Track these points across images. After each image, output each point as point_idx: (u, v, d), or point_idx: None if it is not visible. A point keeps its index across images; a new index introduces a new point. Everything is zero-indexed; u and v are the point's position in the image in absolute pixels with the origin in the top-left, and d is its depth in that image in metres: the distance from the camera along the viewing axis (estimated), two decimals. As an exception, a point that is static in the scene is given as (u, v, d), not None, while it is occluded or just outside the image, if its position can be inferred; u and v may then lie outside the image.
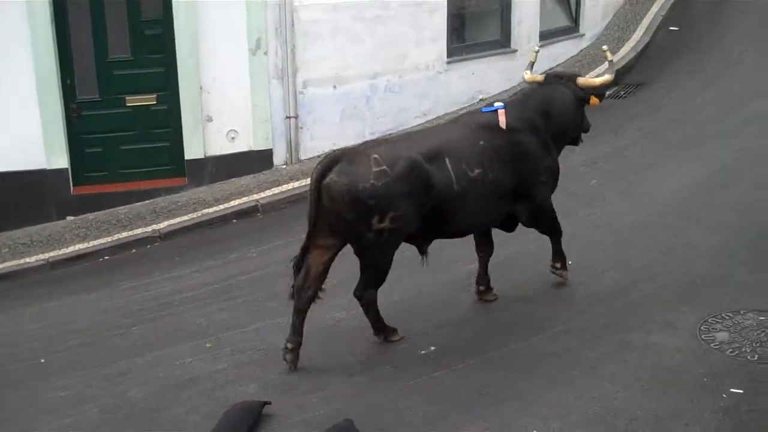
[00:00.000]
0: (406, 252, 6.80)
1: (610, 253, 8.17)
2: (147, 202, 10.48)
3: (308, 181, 10.20)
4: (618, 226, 8.76)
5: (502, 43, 13.23)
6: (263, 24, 10.79)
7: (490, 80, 12.82)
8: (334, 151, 7.08)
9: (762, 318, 6.89)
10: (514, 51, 13.18)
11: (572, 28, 14.37)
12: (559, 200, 9.13)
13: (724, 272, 7.65)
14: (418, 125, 11.99)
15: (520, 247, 8.17)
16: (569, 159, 9.87)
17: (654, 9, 16.45)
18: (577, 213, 9.07)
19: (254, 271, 8.57)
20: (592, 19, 14.80)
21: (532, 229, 7.48)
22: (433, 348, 6.77)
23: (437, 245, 6.98)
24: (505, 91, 12.53)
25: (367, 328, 6.88)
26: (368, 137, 11.59)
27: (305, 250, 6.71)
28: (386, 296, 7.03)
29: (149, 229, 9.78)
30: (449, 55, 12.41)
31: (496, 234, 7.43)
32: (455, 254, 7.97)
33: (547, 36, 13.63)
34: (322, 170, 6.40)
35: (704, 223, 8.66)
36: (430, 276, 7.56)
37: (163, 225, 9.85)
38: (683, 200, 9.23)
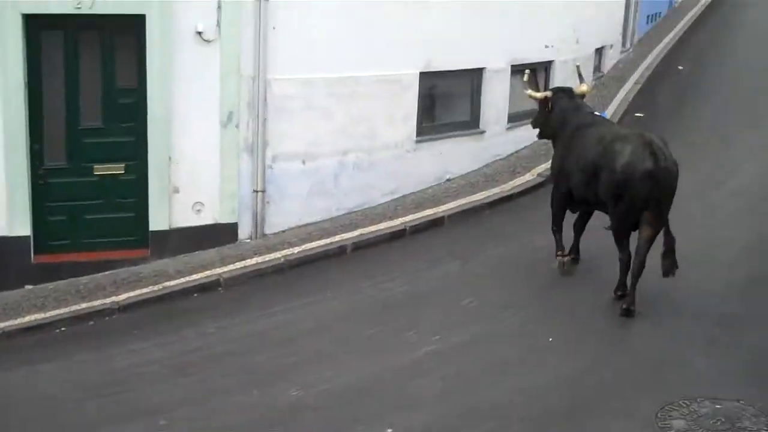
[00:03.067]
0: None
1: (570, 339, 8.21)
2: (108, 272, 10.35)
3: (272, 256, 10.42)
4: (579, 309, 8.81)
5: (471, 124, 13.40)
6: (236, 97, 10.83)
7: (458, 160, 12.95)
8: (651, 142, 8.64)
9: (718, 406, 6.95)
10: (483, 132, 13.36)
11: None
12: (517, 282, 9.29)
13: (683, 359, 7.73)
14: (385, 203, 12.11)
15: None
16: (533, 244, 10.01)
17: (620, 95, 16.88)
18: (538, 297, 9.12)
19: (213, 347, 8.48)
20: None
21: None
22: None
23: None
24: (473, 171, 12.69)
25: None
26: (334, 214, 11.72)
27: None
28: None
29: (108, 300, 9.64)
30: (419, 134, 12.51)
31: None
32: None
33: (515, 118, 13.84)
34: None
35: (664, 310, 8.75)
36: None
37: (123, 297, 9.71)
38: (644, 287, 9.29)
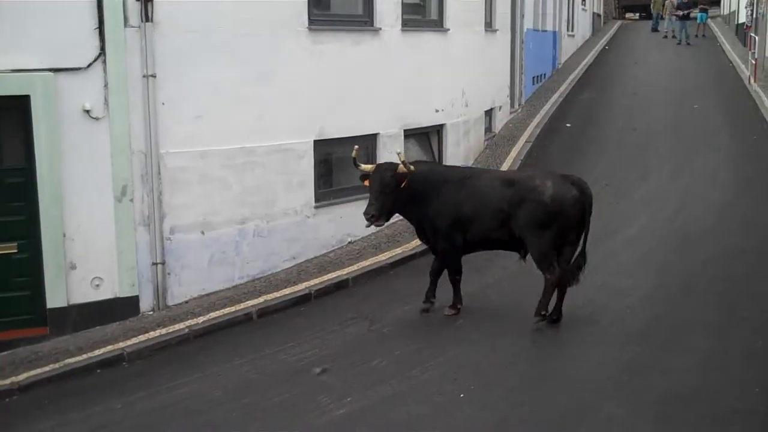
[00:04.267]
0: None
1: (480, 392, 8.24)
2: (6, 353, 10.01)
3: (176, 327, 10.26)
4: (486, 365, 8.89)
5: (369, 187, 13.50)
6: (129, 172, 10.71)
7: (358, 223, 12.91)
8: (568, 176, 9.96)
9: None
10: (381, 195, 13.47)
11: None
12: (424, 340, 9.35)
13: (592, 406, 7.85)
14: (287, 269, 12.07)
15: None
16: (437, 299, 10.12)
17: (513, 153, 17.33)
18: (445, 353, 9.17)
19: (119, 423, 8.22)
20: (455, 163, 15.30)
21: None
22: None
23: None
24: (374, 233, 12.76)
25: None
26: (237, 282, 11.63)
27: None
28: None
29: (7, 381, 9.28)
30: (317, 199, 12.57)
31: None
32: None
33: (411, 180, 14.00)
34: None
35: (570, 357, 8.93)
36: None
37: (22, 377, 9.37)
38: (549, 335, 9.48)
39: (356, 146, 10.32)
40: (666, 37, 35.49)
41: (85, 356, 9.81)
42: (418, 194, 9.85)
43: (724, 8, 44.95)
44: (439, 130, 15.24)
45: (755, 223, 13.19)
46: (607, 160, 17.35)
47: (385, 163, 10.30)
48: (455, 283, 10.18)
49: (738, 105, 21.79)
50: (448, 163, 15.07)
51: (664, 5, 39.32)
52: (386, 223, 10.48)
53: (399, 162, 9.75)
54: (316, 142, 12.45)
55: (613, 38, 38.37)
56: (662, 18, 38.69)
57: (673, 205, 14.25)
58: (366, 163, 10.78)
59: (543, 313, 9.69)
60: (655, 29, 39.45)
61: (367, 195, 9.85)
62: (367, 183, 9.86)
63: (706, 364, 8.65)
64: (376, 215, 9.66)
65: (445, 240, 9.98)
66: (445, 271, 10.23)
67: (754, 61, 24.38)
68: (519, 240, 9.74)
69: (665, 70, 27.86)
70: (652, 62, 29.45)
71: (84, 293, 10.61)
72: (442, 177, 10.05)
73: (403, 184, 9.68)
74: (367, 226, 10.14)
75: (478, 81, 16.94)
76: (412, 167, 9.74)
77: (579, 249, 9.80)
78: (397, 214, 10.32)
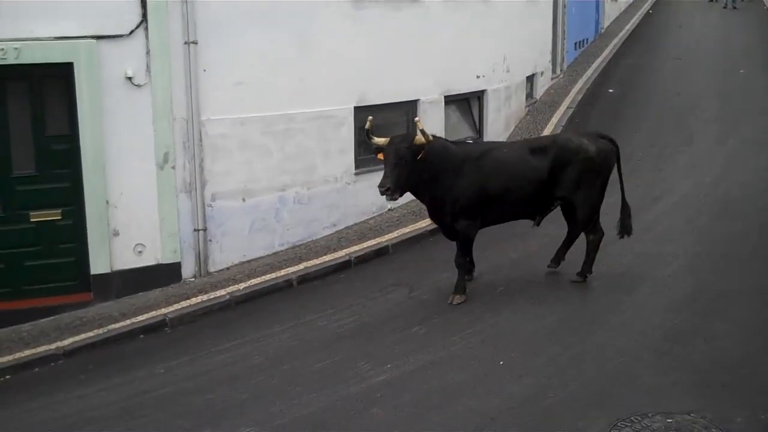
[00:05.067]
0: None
1: (520, 360, 8.23)
2: (51, 318, 10.17)
3: (217, 293, 10.34)
4: (525, 333, 8.85)
5: (409, 154, 13.45)
6: (170, 139, 10.78)
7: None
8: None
9: (669, 420, 7.02)
10: (420, 162, 13.43)
11: (476, 138, 14.76)
12: (465, 307, 9.35)
13: (632, 375, 7.81)
14: (328, 236, 12.10)
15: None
16: (477, 265, 10.10)
17: (554, 119, 17.17)
18: (485, 321, 9.16)
19: (161, 388, 8.34)
20: (495, 130, 15.28)
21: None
22: None
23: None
24: (414, 200, 12.71)
25: None
26: (278, 249, 11.68)
27: None
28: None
29: (53, 346, 9.45)
30: (357, 166, 12.56)
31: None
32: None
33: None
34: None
35: (611, 326, 8.85)
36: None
37: (67, 342, 9.52)
38: (590, 304, 9.42)
39: (370, 117, 9.88)
40: (712, 1, 34.85)
41: (128, 322, 9.93)
42: (433, 170, 9.42)
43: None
44: (479, 96, 15.12)
45: (802, 189, 12.99)
46: (649, 125, 17.14)
47: (400, 134, 9.85)
48: (462, 265, 9.84)
49: (785, 70, 21.41)
50: (488, 131, 15.01)
51: None
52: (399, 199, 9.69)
53: (418, 130, 9.26)
54: (356, 108, 12.40)
55: (657, 2, 37.73)
56: None
57: (717, 171, 14.06)
58: (406, 131, 10.69)
59: (588, 274, 9.88)
60: None
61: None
62: (380, 156, 9.43)
63: (749, 332, 8.58)
64: (391, 188, 9.12)
65: (467, 218, 9.63)
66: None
67: (802, 25, 23.88)
68: (546, 207, 9.97)
69: (710, 34, 27.38)
70: (697, 26, 28.95)
71: (127, 260, 10.73)
72: (461, 154, 9.70)
73: (419, 156, 9.21)
74: (388, 200, 9.57)
75: (520, 46, 16.76)
76: (431, 137, 9.32)
77: (621, 200, 10.22)
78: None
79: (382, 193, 9.20)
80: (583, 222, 10.00)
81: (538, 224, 10.13)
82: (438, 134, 13.22)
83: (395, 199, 9.51)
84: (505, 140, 14.86)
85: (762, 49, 24.51)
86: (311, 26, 11.80)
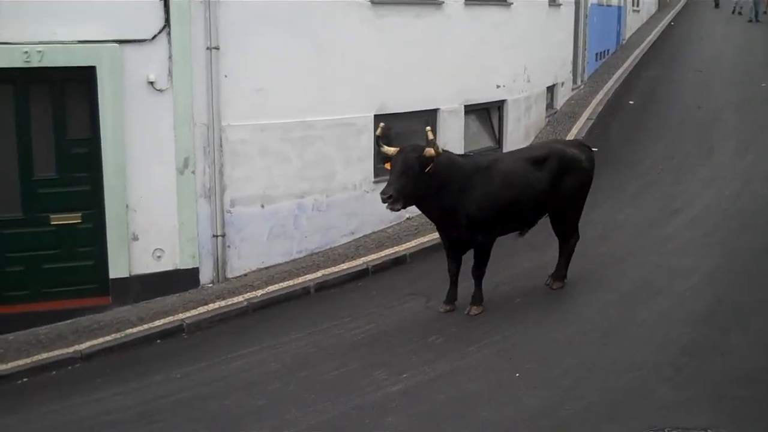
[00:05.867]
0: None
1: (536, 372, 8.20)
2: (69, 321, 10.22)
3: (234, 299, 10.38)
4: (542, 344, 8.82)
5: (428, 163, 13.45)
6: (191, 144, 10.83)
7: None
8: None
9: (686, 435, 6.97)
10: (440, 171, 13.42)
11: (495, 148, 14.77)
12: (481, 318, 9.34)
13: (648, 388, 7.75)
14: (346, 244, 12.12)
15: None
16: (492, 276, 10.08)
17: (574, 130, 17.16)
18: (502, 332, 9.14)
19: (178, 393, 8.37)
20: (515, 140, 15.26)
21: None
22: None
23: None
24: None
25: None
26: (296, 256, 11.71)
27: None
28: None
29: (71, 349, 9.50)
30: (376, 174, 12.54)
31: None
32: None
33: (470, 157, 13.95)
34: None
35: (628, 339, 8.81)
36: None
37: (85, 345, 9.57)
38: (607, 316, 9.38)
39: (382, 123, 9.65)
40: (734, 13, 34.71)
41: (145, 326, 9.98)
42: (441, 184, 9.12)
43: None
44: (500, 106, 15.15)
45: (822, 203, 12.91)
46: (669, 138, 17.10)
47: (411, 144, 9.32)
48: (482, 277, 9.71)
49: (807, 83, 21.31)
50: (507, 141, 15.02)
51: None
52: (403, 211, 9.54)
53: (428, 140, 8.93)
54: (376, 116, 12.40)
55: (679, 14, 37.70)
56: None
57: (737, 185, 14.00)
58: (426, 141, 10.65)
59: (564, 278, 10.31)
60: (717, 5, 38.74)
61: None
62: (388, 166, 9.13)
63: (767, 346, 8.50)
64: (394, 196, 8.80)
65: (485, 232, 9.47)
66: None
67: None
68: (540, 217, 10.06)
69: (732, 47, 27.31)
70: (719, 39, 28.89)
71: (145, 264, 10.78)
72: (470, 166, 9.50)
73: (428, 169, 8.90)
74: (389, 208, 9.06)
75: (541, 56, 16.79)
76: (441, 149, 9.12)
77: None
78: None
79: (384, 201, 8.89)
80: (572, 229, 10.21)
81: (523, 235, 10.15)
82: (457, 144, 13.47)
83: (397, 210, 9.13)
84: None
85: (784, 62, 24.43)
86: (332, 33, 11.85)
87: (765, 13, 34.77)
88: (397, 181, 8.88)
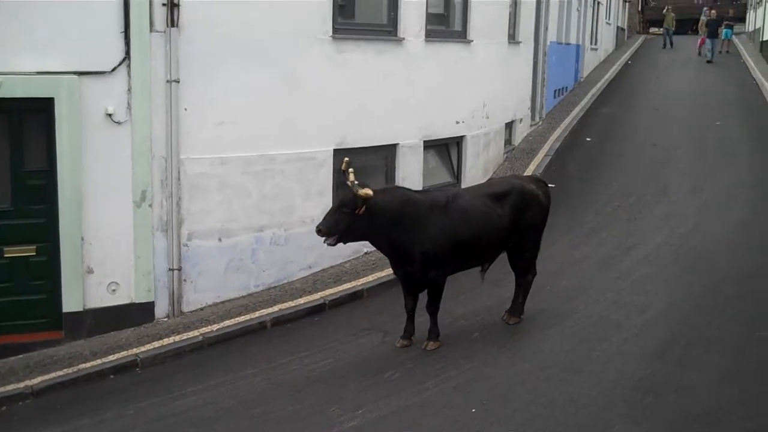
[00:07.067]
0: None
1: (492, 407, 8.20)
2: (20, 356, 10.08)
3: (190, 334, 10.28)
4: (498, 380, 8.83)
5: (387, 198, 13.48)
6: (149, 177, 10.77)
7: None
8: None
9: (640, 472, 7.00)
10: (398, 206, 13.46)
11: (454, 184, 14.83)
12: (438, 353, 9.33)
13: (604, 425, 7.79)
14: (303, 278, 12.08)
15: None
16: (450, 311, 10.09)
17: (531, 166, 17.31)
18: (458, 367, 9.14)
19: (130, 429, 8.25)
20: (474, 176, 15.35)
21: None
22: None
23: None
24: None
25: None
26: (253, 290, 11.66)
27: None
28: None
29: (21, 385, 9.35)
30: (335, 209, 12.53)
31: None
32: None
33: (430, 192, 14.00)
34: None
35: (584, 375, 8.85)
36: None
37: (36, 381, 9.43)
38: (563, 352, 9.42)
39: (346, 159, 9.40)
40: (701, 54, 35.24)
41: (99, 361, 9.86)
42: (392, 221, 9.11)
43: (749, 25, 44.83)
44: (459, 141, 15.24)
45: (775, 242, 13.10)
46: (625, 175, 17.29)
47: (360, 182, 9.13)
48: (436, 312, 9.69)
49: (761, 123, 21.68)
50: (466, 177, 15.09)
51: (674, 21, 39.69)
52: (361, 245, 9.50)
53: (350, 182, 8.93)
54: (336, 150, 12.45)
55: (636, 53, 38.28)
56: (672, 34, 39.14)
57: (691, 222, 14.16)
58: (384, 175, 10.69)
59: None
60: (665, 45, 39.57)
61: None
62: None
63: (722, 383, 8.57)
64: (323, 230, 8.90)
65: (438, 268, 9.43)
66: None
67: (777, 79, 24.29)
68: (500, 253, 10.10)
69: (688, 85, 27.76)
70: (675, 78, 29.36)
71: (100, 298, 10.68)
72: (427, 202, 9.47)
73: (358, 210, 8.88)
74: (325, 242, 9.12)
75: (500, 93, 16.93)
76: (365, 191, 8.85)
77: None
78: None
79: (317, 233, 8.98)
80: (530, 264, 10.29)
81: (485, 271, 10.09)
82: (416, 179, 13.53)
83: (332, 245, 9.14)
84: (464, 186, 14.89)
85: (738, 101, 24.87)
86: (294, 68, 11.86)
87: (720, 53, 35.47)
88: (330, 218, 9.03)
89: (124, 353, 10.04)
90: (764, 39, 34.14)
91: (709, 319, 10.26)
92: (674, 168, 17.63)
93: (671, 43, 39.82)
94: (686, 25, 49.97)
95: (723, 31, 36.73)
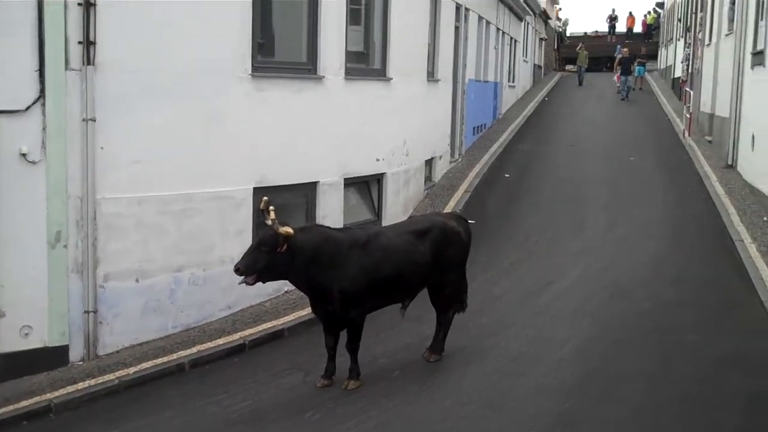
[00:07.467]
0: None
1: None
2: (-74, 406, 9.79)
3: (105, 378, 10.06)
4: (419, 418, 8.83)
5: (307, 236, 13.44)
6: (64, 217, 10.57)
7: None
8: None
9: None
10: (319, 243, 13.43)
11: (375, 221, 14.88)
12: (359, 392, 9.29)
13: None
14: (223, 318, 11.96)
15: None
16: (371, 349, 10.08)
17: (452, 203, 17.47)
18: (379, 406, 9.12)
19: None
20: (394, 213, 15.43)
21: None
22: None
23: None
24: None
25: None
26: (171, 331, 11.49)
27: None
28: None
29: (-73, 434, 9.11)
30: (255, 248, 12.44)
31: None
32: None
33: (350, 229, 14.01)
34: None
35: (504, 411, 8.90)
36: None
37: (-58, 431, 9.19)
38: (483, 388, 9.47)
39: (265, 198, 9.31)
40: (620, 93, 36.06)
41: (11, 408, 9.58)
42: (311, 260, 9.08)
43: (662, 62, 46.15)
44: (379, 179, 15.30)
45: (688, 275, 13.38)
46: (543, 210, 17.57)
47: (281, 221, 9.10)
48: (357, 351, 9.66)
49: (673, 158, 22.29)
50: (387, 214, 15.15)
51: (587, 59, 40.81)
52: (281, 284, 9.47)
53: (270, 221, 8.93)
54: (255, 189, 12.38)
55: (552, 89, 39.06)
56: (585, 71, 40.24)
57: (607, 257, 14.42)
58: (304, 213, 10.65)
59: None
60: (581, 83, 40.58)
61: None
62: None
63: (639, 415, 8.70)
64: (241, 269, 8.82)
65: (357, 307, 9.41)
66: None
67: (688, 115, 25.04)
68: (421, 289, 10.12)
69: (603, 122, 28.43)
70: (590, 114, 30.03)
71: (12, 342, 10.40)
72: (346, 240, 9.44)
73: (279, 248, 8.86)
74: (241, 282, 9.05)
75: (420, 130, 17.09)
76: (286, 229, 8.84)
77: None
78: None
79: (235, 272, 8.89)
80: (453, 299, 10.34)
81: (406, 308, 10.04)
82: (337, 217, 13.53)
83: (251, 284, 9.04)
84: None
85: (651, 137, 25.56)
86: (213, 106, 11.80)
87: (633, 90, 36.42)
88: (249, 257, 8.94)
89: (37, 398, 9.78)
90: (675, 76, 35.16)
91: (624, 352, 10.43)
92: (590, 203, 17.96)
93: (581, 81, 40.87)
94: (600, 63, 51.20)
95: (636, 68, 37.75)
